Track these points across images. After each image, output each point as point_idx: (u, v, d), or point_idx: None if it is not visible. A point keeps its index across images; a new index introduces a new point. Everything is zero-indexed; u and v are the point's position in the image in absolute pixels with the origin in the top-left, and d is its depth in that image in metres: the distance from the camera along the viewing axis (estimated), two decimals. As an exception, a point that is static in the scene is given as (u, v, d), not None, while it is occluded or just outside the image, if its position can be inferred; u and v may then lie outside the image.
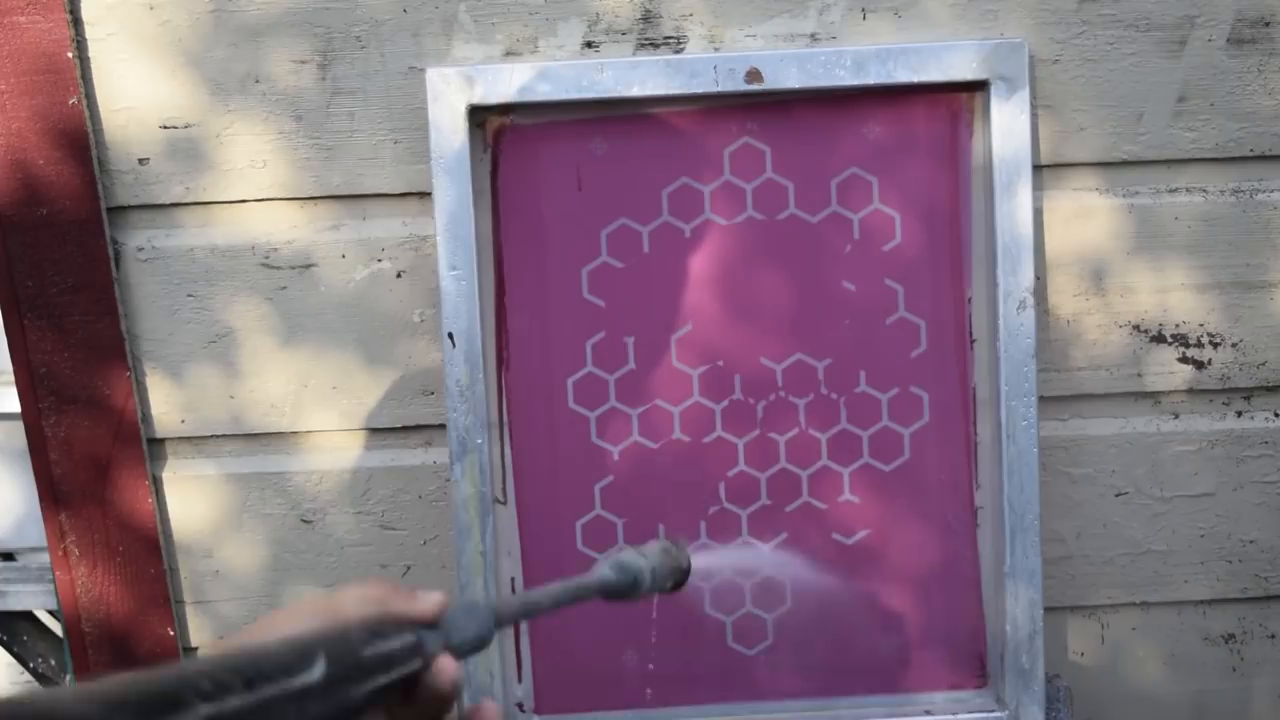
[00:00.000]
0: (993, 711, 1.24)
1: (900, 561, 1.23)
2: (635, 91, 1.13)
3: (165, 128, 1.20)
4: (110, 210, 1.23)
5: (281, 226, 1.24)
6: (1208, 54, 1.20)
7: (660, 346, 1.19)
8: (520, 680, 1.26)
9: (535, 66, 1.15)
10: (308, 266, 1.25)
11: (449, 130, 1.15)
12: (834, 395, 1.21)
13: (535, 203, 1.18)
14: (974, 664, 1.26)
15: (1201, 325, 1.29)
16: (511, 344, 1.20)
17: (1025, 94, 1.16)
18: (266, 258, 1.24)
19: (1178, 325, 1.29)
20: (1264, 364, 1.30)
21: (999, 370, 1.19)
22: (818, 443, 1.21)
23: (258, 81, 1.19)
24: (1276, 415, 1.32)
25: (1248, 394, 1.32)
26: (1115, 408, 1.31)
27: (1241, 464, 1.33)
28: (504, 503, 1.22)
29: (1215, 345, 1.29)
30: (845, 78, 1.14)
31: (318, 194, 1.23)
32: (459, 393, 1.19)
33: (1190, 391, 1.31)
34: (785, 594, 1.23)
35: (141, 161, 1.21)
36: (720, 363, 1.19)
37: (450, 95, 1.15)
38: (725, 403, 1.20)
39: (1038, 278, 1.25)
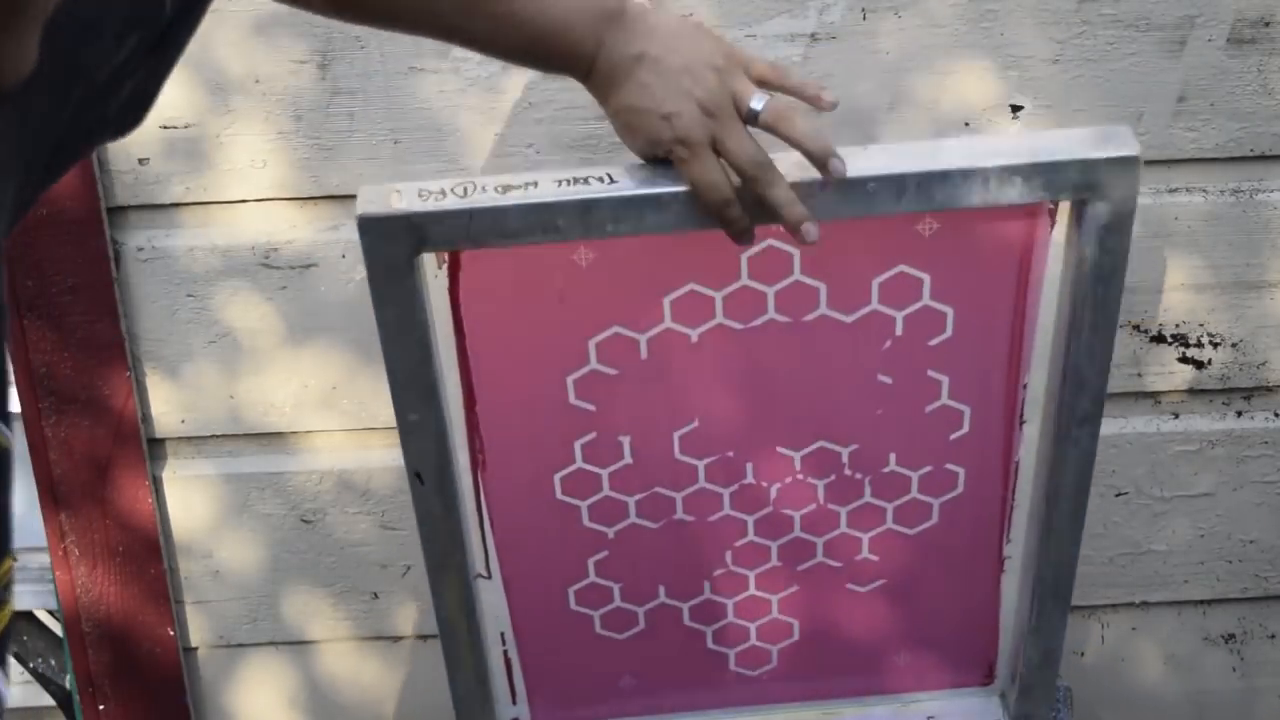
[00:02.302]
0: None
1: (916, 601, 1.17)
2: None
3: (165, 128, 1.20)
4: (110, 210, 1.23)
5: (281, 226, 1.24)
6: (1208, 54, 1.20)
7: (661, 444, 1.04)
8: (514, 703, 1.20)
9: (510, 195, 0.91)
10: (308, 266, 1.25)
11: (392, 266, 0.93)
12: (858, 475, 1.07)
13: (505, 319, 0.99)
14: (981, 667, 1.25)
15: (1201, 325, 1.29)
16: (487, 447, 1.05)
17: (1132, 213, 0.93)
18: (266, 258, 1.24)
19: (1178, 325, 1.29)
20: (1264, 364, 1.30)
21: (1059, 473, 1.05)
22: (836, 515, 1.09)
23: (257, 81, 1.19)
24: (1276, 415, 1.32)
25: (1248, 394, 1.31)
26: (1115, 408, 1.31)
27: (1241, 464, 1.33)
28: (488, 577, 1.12)
29: (1215, 345, 1.29)
30: (910, 206, 0.92)
31: (317, 194, 1.23)
32: (432, 523, 1.03)
33: (1190, 391, 1.31)
34: (793, 630, 1.18)
35: (141, 161, 1.21)
36: (730, 453, 1.05)
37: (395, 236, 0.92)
38: (735, 486, 1.07)
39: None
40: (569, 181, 0.89)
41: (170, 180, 1.22)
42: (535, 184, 0.89)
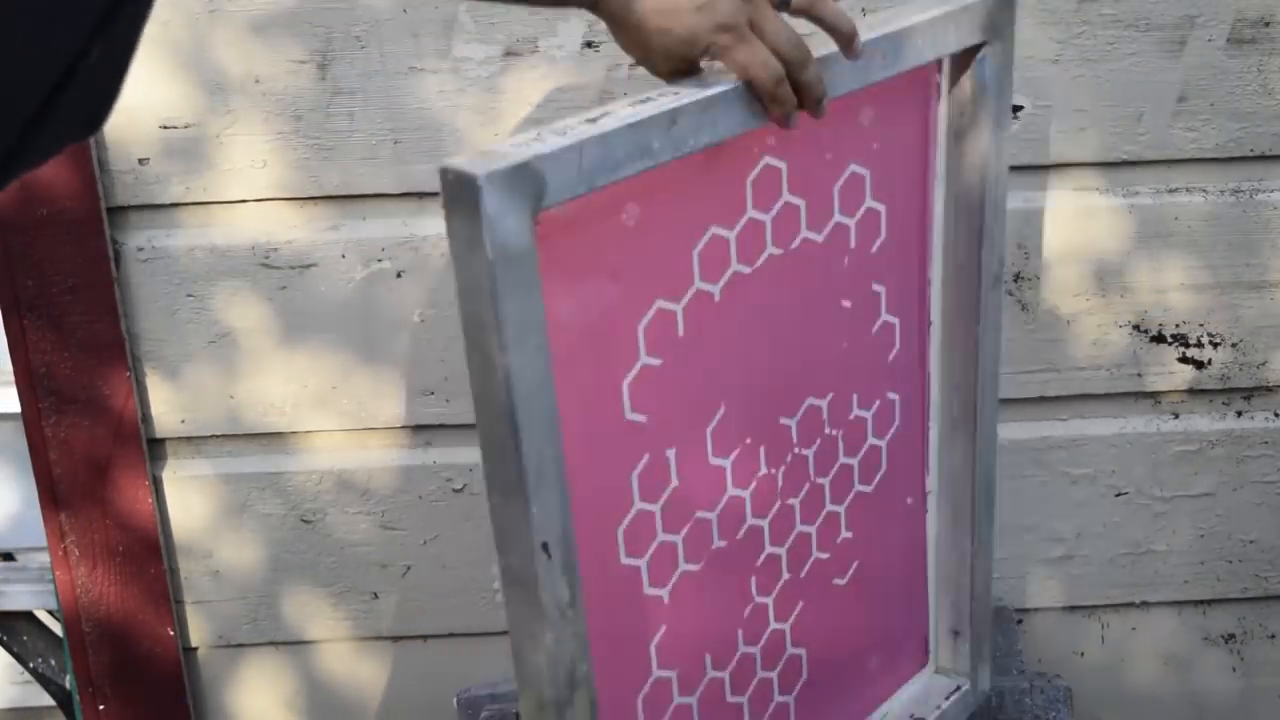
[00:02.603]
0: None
1: (865, 571, 1.17)
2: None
3: (165, 128, 1.20)
4: (110, 210, 1.23)
5: (281, 226, 1.24)
6: (1208, 54, 1.20)
7: (698, 448, 1.01)
8: None
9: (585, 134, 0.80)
10: (308, 266, 1.25)
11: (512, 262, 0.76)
12: (834, 431, 1.09)
13: (578, 315, 0.86)
14: (919, 649, 1.23)
15: (1201, 325, 1.29)
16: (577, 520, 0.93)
17: (1012, 45, 1.05)
18: (266, 258, 1.24)
19: (1178, 325, 1.29)
20: (1264, 364, 1.30)
21: (978, 351, 1.10)
22: (821, 490, 1.10)
23: (257, 81, 1.19)
24: (1276, 415, 1.32)
25: (1248, 394, 1.31)
26: (1115, 408, 1.31)
27: (1241, 464, 1.33)
28: None
29: (1215, 345, 1.29)
30: (853, 83, 0.96)
31: (317, 194, 1.23)
32: (559, 613, 0.81)
33: (1190, 391, 1.31)
34: (802, 665, 1.16)
35: (141, 161, 1.21)
36: (748, 440, 1.03)
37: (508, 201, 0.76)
38: (753, 484, 1.05)
39: (1036, 277, 1.25)
40: (640, 102, 0.85)
41: (170, 180, 1.22)
42: (608, 113, 0.83)
